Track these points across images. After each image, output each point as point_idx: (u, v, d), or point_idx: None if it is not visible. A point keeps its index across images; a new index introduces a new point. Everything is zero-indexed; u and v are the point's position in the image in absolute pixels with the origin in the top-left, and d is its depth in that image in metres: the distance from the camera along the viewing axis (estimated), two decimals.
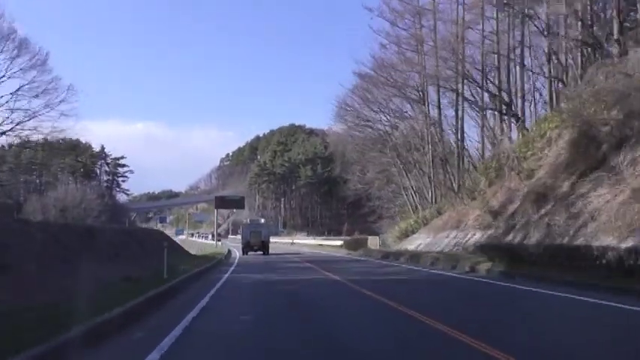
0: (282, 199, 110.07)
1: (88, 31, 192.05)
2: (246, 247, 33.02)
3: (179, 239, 70.55)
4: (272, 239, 72.91)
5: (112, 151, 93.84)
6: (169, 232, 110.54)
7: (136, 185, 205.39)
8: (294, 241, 60.44)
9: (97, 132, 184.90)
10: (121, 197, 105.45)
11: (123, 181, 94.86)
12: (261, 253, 32.41)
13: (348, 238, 46.10)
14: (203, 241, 72.35)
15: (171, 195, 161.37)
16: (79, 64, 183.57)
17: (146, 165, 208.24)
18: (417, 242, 26.66)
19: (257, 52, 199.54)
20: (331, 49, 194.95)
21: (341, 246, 40.77)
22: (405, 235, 30.27)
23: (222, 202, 64.42)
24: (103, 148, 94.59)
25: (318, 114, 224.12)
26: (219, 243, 55.41)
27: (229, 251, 35.82)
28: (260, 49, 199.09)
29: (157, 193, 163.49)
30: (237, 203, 67.62)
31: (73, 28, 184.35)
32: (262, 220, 41.14)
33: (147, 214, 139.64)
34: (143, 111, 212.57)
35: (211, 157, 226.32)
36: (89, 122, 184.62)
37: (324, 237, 62.09)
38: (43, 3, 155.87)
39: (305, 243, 55.20)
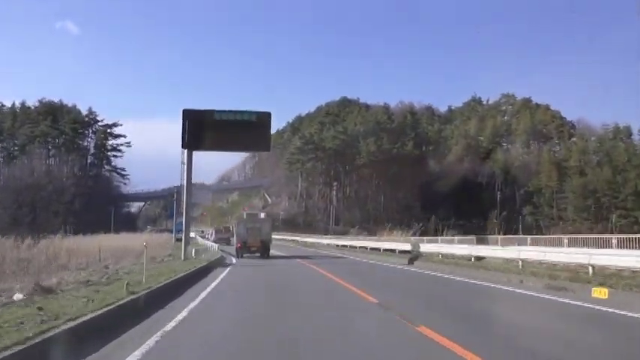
0: (335, 184, 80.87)
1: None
2: (242, 249, 26.38)
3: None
4: (321, 240, 47.68)
5: (106, 118, 68.28)
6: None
7: (165, 179, 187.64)
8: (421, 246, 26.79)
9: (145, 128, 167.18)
10: (122, 183, 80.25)
11: (115, 156, 68.86)
12: (259, 255, 26.22)
13: None
14: (203, 241, 44.43)
15: (200, 187, 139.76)
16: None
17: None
18: None
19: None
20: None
21: None
22: None
23: (197, 126, 23.06)
24: (91, 111, 69.11)
25: (371, 89, 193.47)
26: (215, 245, 29.39)
27: (206, 269, 17.25)
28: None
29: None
30: (248, 128, 23.75)
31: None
32: (262, 215, 34.20)
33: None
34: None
35: None
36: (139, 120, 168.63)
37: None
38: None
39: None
